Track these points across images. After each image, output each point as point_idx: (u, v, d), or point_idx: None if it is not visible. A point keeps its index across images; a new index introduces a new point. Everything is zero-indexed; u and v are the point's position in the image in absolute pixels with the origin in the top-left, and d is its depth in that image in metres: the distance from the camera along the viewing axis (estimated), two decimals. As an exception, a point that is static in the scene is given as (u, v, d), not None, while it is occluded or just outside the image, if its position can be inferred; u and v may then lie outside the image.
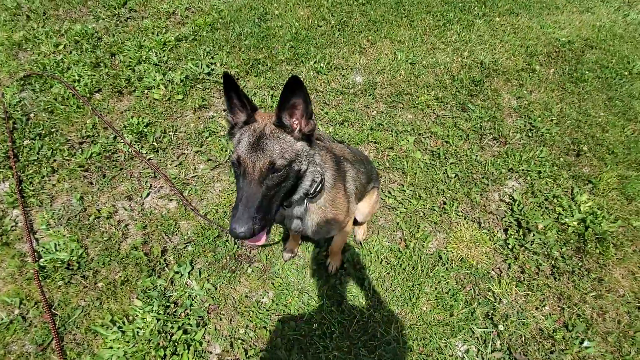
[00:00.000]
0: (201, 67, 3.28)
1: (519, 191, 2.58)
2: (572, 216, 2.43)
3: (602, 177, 2.66)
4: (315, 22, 3.78)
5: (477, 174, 2.67)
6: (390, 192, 2.57)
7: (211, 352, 1.97)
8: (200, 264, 2.25)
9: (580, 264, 2.27)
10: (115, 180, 2.60)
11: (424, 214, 2.46)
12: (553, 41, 3.69)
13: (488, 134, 2.90)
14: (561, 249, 2.32)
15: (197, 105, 3.01)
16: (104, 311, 2.05)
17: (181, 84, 3.16)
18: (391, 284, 2.16)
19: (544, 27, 3.84)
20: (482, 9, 4.03)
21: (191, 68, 3.27)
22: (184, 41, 3.61)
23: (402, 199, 2.53)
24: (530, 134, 2.91)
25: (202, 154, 2.74)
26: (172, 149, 2.79)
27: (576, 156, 2.81)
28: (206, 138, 2.83)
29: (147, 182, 2.60)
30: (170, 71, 3.29)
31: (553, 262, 2.27)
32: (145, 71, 3.28)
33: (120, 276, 2.17)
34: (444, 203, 2.52)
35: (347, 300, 2.08)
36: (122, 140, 2.77)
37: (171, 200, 2.52)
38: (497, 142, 2.87)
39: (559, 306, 2.13)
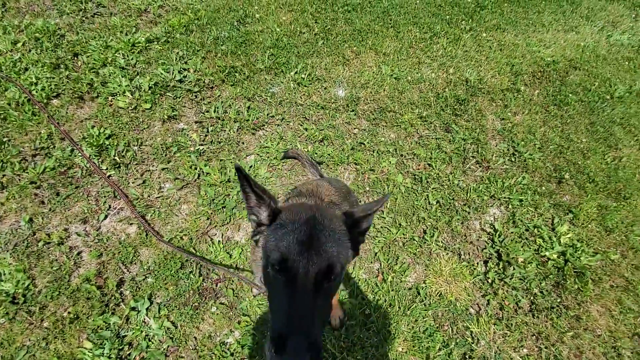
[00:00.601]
0: (172, 73, 3.05)
1: (500, 220, 2.51)
2: (552, 248, 2.37)
3: (583, 207, 2.62)
4: (298, 29, 3.60)
5: (459, 200, 2.58)
6: (369, 219, 2.44)
7: (168, 401, 1.80)
8: (160, 299, 2.06)
9: (558, 301, 2.22)
10: (70, 200, 2.36)
11: (403, 244, 2.35)
12: (538, 60, 3.64)
13: (471, 158, 2.81)
14: (540, 283, 2.26)
15: (166, 116, 2.79)
16: (50, 353, 1.84)
17: (149, 91, 2.92)
18: (366, 322, 2.04)
19: (529, 45, 3.79)
20: (469, 23, 3.94)
21: (161, 74, 3.04)
22: (156, 43, 3.35)
23: (382, 227, 2.41)
24: (513, 159, 2.84)
25: (168, 172, 2.53)
26: (136, 164, 2.56)
27: (557, 184, 2.76)
28: (174, 153, 2.62)
29: (105, 202, 2.37)
30: (138, 76, 3.04)
31: (532, 298, 2.21)
32: (110, 75, 3.02)
33: (69, 313, 1.96)
34: (424, 232, 2.42)
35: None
36: (80, 154, 2.53)
37: (131, 224, 2.31)
38: (480, 166, 2.79)
39: (536, 346, 2.07)
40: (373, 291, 2.15)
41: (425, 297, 2.16)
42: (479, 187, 2.64)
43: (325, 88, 3.16)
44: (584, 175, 2.80)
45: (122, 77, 3.00)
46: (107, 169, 2.51)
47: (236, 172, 0.94)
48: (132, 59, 3.18)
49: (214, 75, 3.08)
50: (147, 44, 3.32)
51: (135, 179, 2.50)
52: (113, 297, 2.03)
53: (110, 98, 2.90)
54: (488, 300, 2.18)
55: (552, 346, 2.06)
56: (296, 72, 3.19)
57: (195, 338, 1.96)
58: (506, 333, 2.08)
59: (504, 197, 2.60)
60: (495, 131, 3.01)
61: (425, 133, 2.93)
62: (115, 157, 2.56)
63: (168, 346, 1.92)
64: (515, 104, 3.21)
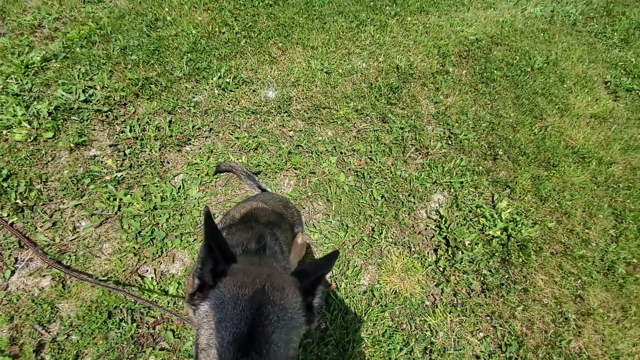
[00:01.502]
0: (76, 93, 2.68)
1: (444, 206, 2.51)
2: (495, 226, 2.43)
3: (518, 180, 2.71)
4: (217, 29, 3.34)
5: (403, 192, 2.54)
6: (314, 226, 2.33)
7: None
8: (89, 357, 1.80)
9: (506, 277, 2.27)
10: (-39, 261, 1.99)
11: (353, 246, 2.27)
12: (462, 40, 3.71)
13: (410, 146, 2.79)
14: (488, 263, 2.30)
15: (73, 144, 2.45)
16: None
17: (50, 117, 2.54)
18: (323, 337, 1.94)
19: (453, 25, 3.85)
20: (393, 8, 3.92)
21: (63, 96, 2.66)
22: (53, 61, 2.93)
23: (329, 232, 2.31)
24: (450, 142, 2.86)
25: (83, 208, 2.22)
26: (43, 205, 2.22)
27: (493, 160, 2.83)
28: (87, 186, 2.31)
29: (10, 255, 2.03)
30: (35, 102, 2.64)
31: (482, 279, 2.24)
32: (2, 105, 2.58)
33: (-27, 398, 1.64)
34: (373, 230, 2.36)
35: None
36: (-32, 203, 2.13)
37: (44, 276, 2.00)
38: (419, 153, 2.78)
39: (491, 326, 2.10)
40: (327, 302, 2.05)
41: (381, 298, 2.10)
42: (420, 175, 2.62)
43: (253, 91, 2.97)
44: (515, 149, 2.90)
45: (17, 105, 2.58)
46: (8, 215, 2.15)
47: (204, 218, 0.74)
48: (26, 82, 2.75)
49: (125, 90, 2.76)
50: (43, 64, 2.89)
51: (43, 222, 2.16)
52: (29, 368, 1.74)
53: (4, 132, 2.49)
54: (442, 289, 2.18)
55: (506, 323, 2.11)
56: (220, 77, 2.96)
57: (135, 394, 1.74)
58: (462, 319, 2.09)
59: (446, 182, 2.61)
60: (430, 116, 3.02)
61: (363, 126, 2.86)
62: (17, 201, 2.19)
63: (104, 410, 1.69)
64: (446, 85, 3.25)
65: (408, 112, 2.98)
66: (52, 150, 2.44)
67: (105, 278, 2.00)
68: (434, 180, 2.62)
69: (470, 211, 2.51)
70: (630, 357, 2.14)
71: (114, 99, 2.69)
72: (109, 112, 2.64)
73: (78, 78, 2.78)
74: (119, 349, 1.82)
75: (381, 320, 2.03)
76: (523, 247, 2.37)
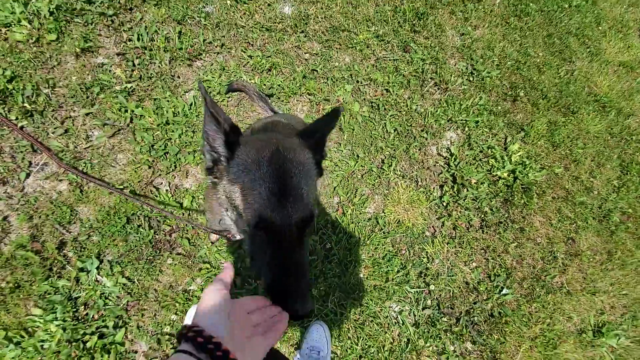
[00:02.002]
0: (77, -8, 2.47)
1: (456, 144, 2.50)
2: (504, 167, 2.45)
3: (534, 124, 2.66)
4: None
5: (416, 126, 2.51)
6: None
7: (136, 352, 1.81)
8: (110, 256, 1.94)
9: (506, 216, 2.36)
10: (-22, 159, 2.02)
11: (362, 175, 2.31)
12: (501, -37, 3.33)
13: (429, 80, 2.68)
14: (491, 202, 2.37)
15: (79, 49, 2.32)
16: (-6, 326, 1.73)
17: (52, 18, 2.37)
18: (327, 255, 2.08)
19: (493, -55, 3.42)
20: None
21: (63, -7, 2.45)
22: (47, -50, 2.63)
23: (339, 160, 2.33)
24: (471, 78, 2.74)
25: (94, 117, 2.20)
26: (53, 111, 2.19)
27: (512, 102, 2.75)
28: (97, 95, 2.25)
29: (24, 158, 2.05)
30: (32, -2, 2.44)
31: (482, 216, 2.33)
32: (-5, -3, 2.39)
33: (7, 282, 1.80)
34: (382, 162, 2.38)
35: (283, 279, 1.97)
36: (-23, 103, 2.10)
37: (61, 180, 2.05)
38: (438, 88, 2.68)
39: (484, 258, 2.24)
40: (334, 225, 2.15)
41: (384, 226, 2.20)
42: (436, 111, 2.56)
43: (268, 4, 2.74)
44: (537, 92, 2.80)
45: (14, 1, 2.39)
46: (17, 118, 2.12)
47: (199, 88, 0.83)
48: (20, -27, 2.50)
49: (131, -7, 2.53)
50: (36, -48, 2.60)
51: (55, 128, 2.15)
52: (56, 261, 1.88)
53: (3, 30, 2.34)
54: (443, 222, 2.28)
55: (498, 257, 2.25)
56: (233, -14, 2.70)
57: (155, 290, 1.91)
58: (458, 250, 2.22)
59: (461, 120, 2.57)
60: (455, 48, 2.84)
61: (383, 54, 2.71)
62: (25, 104, 2.15)
63: (127, 301, 1.87)
64: (476, 16, 3.00)
65: (432, 42, 2.80)
66: (57, 54, 2.33)
67: (122, 187, 2.06)
68: (449, 117, 2.57)
69: (481, 151, 2.51)
70: (606, 294, 2.33)
71: (119, 2, 2.49)
72: (114, 17, 2.46)
73: (78, -26, 2.53)
74: (138, 251, 1.95)
75: (382, 245, 2.15)
76: (527, 190, 2.42)
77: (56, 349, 1.69)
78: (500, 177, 2.43)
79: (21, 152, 2.07)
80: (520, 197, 2.40)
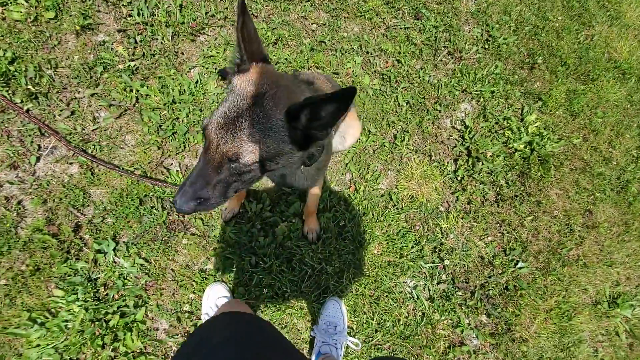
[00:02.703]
0: (72, -34, 2.35)
1: (471, 116, 2.42)
2: (520, 139, 2.38)
3: (552, 92, 2.56)
4: None
5: (429, 99, 2.42)
6: (336, 129, 2.28)
7: (157, 329, 1.85)
8: (126, 238, 1.95)
9: (522, 189, 2.31)
10: (-13, 144, 2.00)
11: (374, 151, 2.26)
12: None
13: (443, 48, 2.56)
14: (506, 175, 2.32)
15: (78, 26, 2.24)
16: (18, 308, 1.77)
17: (48, -7, 2.28)
18: (341, 232, 2.07)
19: None
20: None
21: (57, -33, 2.33)
22: None
23: (350, 136, 2.27)
24: (486, 46, 2.61)
25: (100, 98, 2.15)
26: (57, 92, 2.14)
27: (530, 70, 2.63)
28: (101, 74, 2.19)
29: (32, 142, 2.03)
30: (26, -27, 2.33)
31: (498, 190, 2.29)
32: (-13, -26, 2.29)
33: (27, 265, 1.83)
34: (395, 137, 2.32)
35: (297, 257, 1.98)
36: (-20, 86, 2.06)
37: (71, 163, 2.04)
38: (452, 57, 2.56)
39: (499, 232, 2.22)
40: (346, 202, 2.13)
41: (398, 202, 2.17)
42: (450, 82, 2.46)
43: (272, -27, 2.59)
44: (556, 59, 2.67)
45: (6, -25, 2.29)
46: (22, 102, 2.09)
47: (239, 8, 0.88)
48: (11, -53, 2.38)
49: (128, -35, 2.41)
50: None
51: (61, 110, 2.11)
52: (73, 243, 1.90)
53: (0, 10, 2.26)
54: (457, 197, 2.24)
55: (514, 230, 2.22)
56: (234, -47, 2.55)
57: (172, 270, 1.93)
58: (473, 225, 2.19)
59: (476, 90, 2.47)
60: (469, 14, 2.70)
61: (393, 22, 2.58)
62: (29, 87, 2.10)
63: (145, 281, 1.89)
64: (492, -22, 2.82)
65: (445, 7, 2.65)
66: (56, 33, 2.25)
67: (132, 169, 2.04)
68: (463, 88, 2.47)
69: (497, 123, 2.43)
70: (622, 265, 2.31)
71: (115, -25, 2.37)
72: (112, -9, 2.35)
73: (71, -55, 2.41)
74: (153, 232, 1.96)
75: (396, 221, 2.13)
76: (544, 162, 2.36)
77: (80, 328, 1.73)
78: (516, 149, 2.36)
79: (29, 135, 2.05)
80: (537, 169, 2.34)
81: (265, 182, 2.11)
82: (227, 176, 0.92)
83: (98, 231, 1.95)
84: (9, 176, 1.97)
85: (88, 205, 1.99)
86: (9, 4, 2.26)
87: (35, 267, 1.83)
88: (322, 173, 1.58)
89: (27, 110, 2.08)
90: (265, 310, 1.90)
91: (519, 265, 2.14)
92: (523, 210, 2.26)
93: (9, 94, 2.08)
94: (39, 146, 2.05)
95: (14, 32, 2.21)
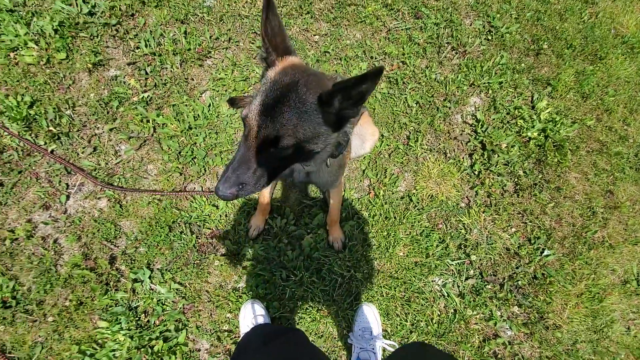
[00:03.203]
0: (77, 5, 2.42)
1: (481, 109, 2.43)
2: (533, 127, 2.38)
3: (561, 77, 2.55)
4: None
5: (438, 96, 2.44)
6: (350, 137, 2.31)
7: (199, 350, 1.92)
8: (159, 265, 2.02)
9: (540, 177, 2.32)
10: (19, 188, 2.09)
11: (389, 155, 2.29)
12: None
13: (446, 44, 2.57)
14: (523, 164, 2.33)
15: (90, 64, 2.31)
16: (67, 342, 1.85)
17: (57, 35, 2.35)
18: (366, 238, 2.11)
19: None
20: None
21: (63, 9, 2.40)
22: (39, -36, 2.57)
23: (364, 142, 2.30)
24: (489, 37, 2.62)
25: (119, 132, 2.22)
26: (78, 131, 2.21)
27: (536, 56, 2.62)
28: (117, 109, 2.26)
29: (60, 182, 2.11)
30: (35, 18, 2.41)
31: (516, 180, 2.30)
32: (0, 24, 2.37)
33: (70, 301, 1.91)
34: (408, 138, 2.34)
35: (326, 267, 2.02)
36: (6, 133, 2.14)
37: (99, 198, 2.11)
38: (456, 52, 2.57)
39: (522, 222, 2.23)
40: (367, 208, 2.17)
41: (418, 203, 2.20)
42: (457, 77, 2.48)
43: (270, -11, 2.63)
44: (561, 42, 2.65)
45: (16, 23, 2.37)
46: (45, 143, 2.17)
47: (264, 3, 0.93)
48: (17, -7, 2.46)
49: (130, -2, 2.47)
50: (28, -32, 2.54)
51: (83, 147, 2.18)
52: (110, 275, 1.97)
53: (12, 55, 2.34)
54: (476, 191, 2.26)
55: (536, 219, 2.23)
56: (231, -26, 2.60)
57: (207, 291, 1.99)
58: (495, 217, 2.21)
59: (484, 83, 2.48)
60: (469, 7, 2.70)
61: (394, 24, 2.60)
62: (50, 128, 2.18)
63: (183, 305, 1.96)
64: (487, -33, 2.81)
65: (444, 3, 2.66)
66: (70, 73, 2.32)
67: (159, 195, 2.10)
68: (471, 82, 2.48)
69: (508, 113, 2.43)
70: (648, 242, 2.30)
71: (119, 9, 2.43)
72: (118, 26, 2.42)
73: (74, -15, 2.47)
74: (184, 256, 2.02)
75: (418, 222, 2.16)
76: (560, 147, 2.36)
77: (127, 356, 1.80)
78: (530, 138, 2.37)
79: (56, 175, 2.12)
80: (554, 155, 2.34)
81: (291, 191, 2.16)
82: (267, 161, 0.98)
83: (133, 261, 2.02)
84: (42, 217, 2.06)
85: (120, 237, 2.06)
86: (20, 49, 2.34)
87: (78, 302, 1.91)
88: (343, 170, 1.64)
89: (52, 151, 2.16)
90: (301, 322, 1.95)
91: (545, 253, 2.15)
92: (543, 197, 2.27)
93: (32, 137, 2.17)
94: (67, 185, 2.13)
95: (28, 76, 2.29)
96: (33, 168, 2.13)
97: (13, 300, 1.88)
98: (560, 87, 2.53)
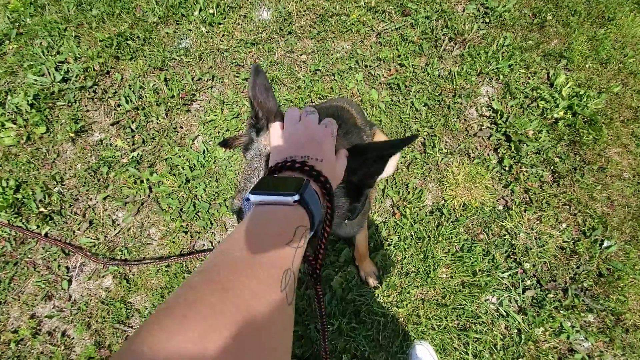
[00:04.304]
0: (50, 74, 2.29)
1: (496, 98, 2.22)
2: (557, 106, 2.15)
3: (573, 46, 2.33)
4: (176, -52, 2.69)
5: (446, 94, 2.23)
6: (360, 156, 2.11)
7: None
8: (180, 339, 1.81)
9: (578, 159, 2.08)
10: (17, 282, 1.91)
11: (407, 167, 2.07)
12: None
13: (442, 37, 2.38)
14: (556, 149, 2.09)
15: (72, 133, 2.16)
16: None
17: (34, 110, 2.22)
18: (402, 265, 1.88)
19: None
20: None
21: (36, 81, 2.28)
22: (7, 42, 2.46)
23: (377, 159, 2.09)
24: (487, 20, 2.42)
25: (113, 199, 2.04)
26: (70, 206, 2.05)
27: (540, 29, 2.41)
28: (107, 174, 2.09)
29: (59, 266, 1.93)
30: (9, 96, 2.28)
31: (553, 168, 2.06)
32: (-28, 108, 2.25)
33: (90, 400, 1.70)
34: (423, 145, 2.13)
35: (365, 309, 1.79)
36: (-6, 224, 1.98)
37: (103, 276, 1.92)
38: (455, 43, 2.37)
39: (571, 214, 1.98)
40: (396, 232, 1.94)
41: (450, 214, 1.97)
42: (462, 69, 2.27)
43: (244, 16, 2.48)
44: (564, 9, 2.44)
45: (-10, 104, 2.24)
46: (38, 227, 2.00)
47: (252, 72, 0.83)
48: (-13, 75, 2.35)
49: (102, 55, 2.34)
50: (-5, 47, 2.44)
51: (78, 223, 2.01)
52: (128, 362, 1.76)
53: (-10, 138, 2.20)
54: (512, 190, 2.02)
55: (585, 207, 1.98)
56: (200, 10, 2.46)
57: None
58: (540, 215, 1.97)
59: (492, 70, 2.27)
60: (457, -7, 2.51)
61: (382, 27, 2.42)
62: (41, 210, 2.02)
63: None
64: (468, -51, 2.64)
65: (430, -5, 2.48)
66: (53, 146, 2.17)
67: (166, 263, 1.91)
68: (478, 70, 2.27)
69: (526, 96, 2.21)
70: None
71: (93, 69, 2.30)
72: (95, 87, 2.28)
73: (44, 55, 2.36)
74: (206, 326, 1.80)
75: (455, 236, 1.93)
76: (592, 122, 2.12)
77: None
78: (557, 119, 2.14)
79: (54, 260, 1.95)
80: (587, 132, 2.10)
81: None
82: None
83: (150, 340, 1.81)
84: (46, 309, 1.87)
85: (133, 316, 1.86)
86: (0, 131, 2.20)
87: (98, 400, 1.70)
88: (367, 216, 1.44)
89: (46, 234, 1.99)
90: (349, 377, 1.71)
91: (605, 244, 1.89)
92: (587, 181, 2.02)
93: (23, 223, 2.00)
94: (67, 268, 1.95)
95: (10, 158, 2.15)
96: (29, 256, 1.96)
97: (27, 412, 1.68)
98: (575, 58, 2.30)
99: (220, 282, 0.37)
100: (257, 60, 2.35)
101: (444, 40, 2.36)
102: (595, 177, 2.05)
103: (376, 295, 1.81)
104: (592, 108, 2.14)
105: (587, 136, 2.09)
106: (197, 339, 0.30)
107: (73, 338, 1.82)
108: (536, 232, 1.93)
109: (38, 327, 1.83)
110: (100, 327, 1.82)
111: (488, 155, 2.10)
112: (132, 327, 1.83)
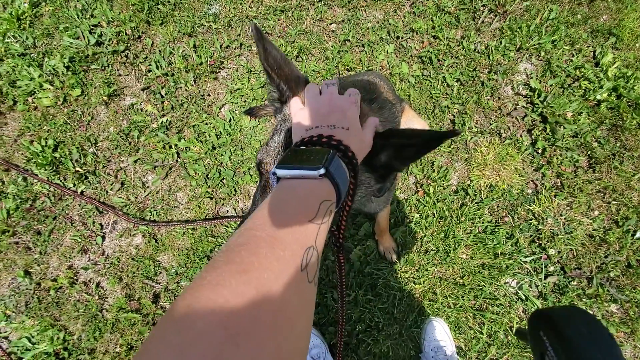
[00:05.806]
0: (84, 37, 2.34)
1: (535, 76, 2.10)
2: (601, 87, 2.01)
3: (623, 23, 2.14)
4: None
5: (481, 69, 2.13)
6: (386, 131, 2.07)
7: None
8: (203, 298, 1.91)
9: (618, 145, 1.96)
10: (56, 235, 2.05)
11: (434, 145, 2.02)
12: None
13: (482, 7, 2.24)
14: (595, 133, 1.98)
15: (105, 96, 2.22)
16: (124, 389, 1.79)
17: (70, 72, 2.29)
18: (421, 243, 1.87)
19: None
20: None
21: (71, 44, 2.33)
22: (43, 4, 2.52)
23: (403, 135, 2.05)
24: (532, -9, 2.25)
25: (143, 162, 2.12)
26: (104, 167, 2.14)
27: (590, 3, 2.23)
28: (138, 138, 2.16)
29: (94, 223, 2.05)
30: (46, 58, 2.36)
31: (589, 153, 1.96)
32: (14, 70, 2.34)
33: (121, 346, 1.84)
34: (453, 122, 2.06)
35: (381, 282, 1.82)
36: (36, 180, 2.10)
37: (134, 235, 2.03)
38: (494, 14, 2.24)
39: (605, 202, 1.90)
40: (418, 210, 1.93)
41: (475, 195, 1.93)
42: (500, 44, 2.15)
43: (275, -17, 2.41)
44: (621, -20, 2.23)
45: (29, 66, 2.33)
46: (74, 185, 2.11)
47: (255, 37, 0.75)
48: (26, 38, 2.42)
49: (133, 20, 2.35)
50: (34, 10, 2.50)
51: (111, 184, 2.11)
52: (156, 315, 1.88)
53: (30, 99, 2.30)
54: (543, 173, 1.94)
55: (621, 196, 1.89)
56: (232, -25, 2.41)
57: (256, 321, 1.85)
58: (570, 201, 1.89)
59: (533, 45, 2.13)
60: (502, -40, 2.33)
61: (418, -4, 2.30)
62: (77, 169, 2.13)
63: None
64: None
65: (472, -38, 2.32)
66: (87, 109, 2.25)
67: (192, 226, 1.99)
68: (517, 46, 2.14)
69: (568, 75, 2.08)
70: None
71: (125, 34, 2.33)
72: (127, 51, 2.31)
73: (78, 17, 2.40)
74: (228, 287, 1.89)
75: (479, 217, 1.89)
76: (637, 107, 1.98)
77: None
78: (600, 101, 2.01)
79: (89, 216, 2.06)
80: (631, 117, 1.97)
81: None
82: None
83: (176, 296, 1.92)
84: (82, 261, 2.00)
85: (160, 273, 1.97)
86: (37, 92, 2.29)
87: (129, 346, 1.84)
88: (392, 193, 1.42)
89: (82, 192, 2.10)
90: (362, 346, 1.77)
91: (638, 235, 1.81)
92: (625, 169, 1.92)
93: (61, 181, 2.12)
94: (101, 225, 2.06)
95: (48, 118, 2.24)
96: (66, 212, 2.08)
97: (65, 352, 1.84)
98: (625, 36, 2.13)
99: (242, 262, 0.38)
100: (285, 28, 2.30)
101: (482, 12, 2.23)
102: (635, 165, 1.94)
103: (394, 270, 1.83)
104: (638, 91, 1.99)
105: (631, 121, 1.96)
106: (218, 323, 0.32)
107: (106, 289, 1.96)
108: (565, 218, 1.87)
109: (75, 277, 1.97)
110: (131, 281, 1.94)
111: (521, 136, 2.01)
112: (159, 283, 1.94)
